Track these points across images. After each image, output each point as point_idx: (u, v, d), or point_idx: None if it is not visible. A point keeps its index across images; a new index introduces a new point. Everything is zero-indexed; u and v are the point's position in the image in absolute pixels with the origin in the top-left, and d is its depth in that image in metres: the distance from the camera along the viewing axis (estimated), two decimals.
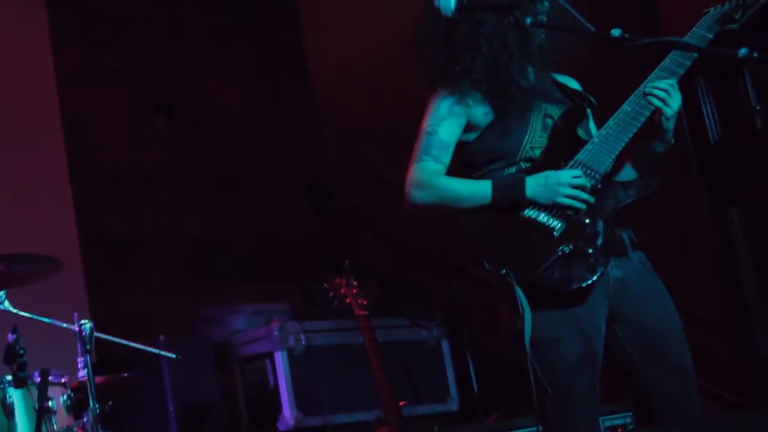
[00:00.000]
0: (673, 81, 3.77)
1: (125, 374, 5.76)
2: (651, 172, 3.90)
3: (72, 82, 7.48)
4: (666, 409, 3.77)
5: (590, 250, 3.66)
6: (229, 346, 6.70)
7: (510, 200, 3.73)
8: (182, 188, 7.86)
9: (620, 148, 3.78)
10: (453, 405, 6.90)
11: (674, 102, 3.76)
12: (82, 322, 4.57)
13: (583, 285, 3.65)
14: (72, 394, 4.82)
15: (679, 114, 3.84)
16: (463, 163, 3.93)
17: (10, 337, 4.40)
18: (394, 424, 5.62)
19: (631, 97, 3.81)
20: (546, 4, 3.80)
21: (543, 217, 3.71)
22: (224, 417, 6.57)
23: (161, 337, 5.94)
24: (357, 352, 6.28)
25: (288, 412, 6.34)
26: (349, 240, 8.55)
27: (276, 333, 6.41)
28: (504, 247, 3.70)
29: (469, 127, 3.88)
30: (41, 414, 4.44)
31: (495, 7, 3.66)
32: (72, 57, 7.55)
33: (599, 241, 3.69)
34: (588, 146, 3.80)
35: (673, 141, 3.86)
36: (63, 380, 4.82)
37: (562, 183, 3.70)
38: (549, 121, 3.86)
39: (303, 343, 6.45)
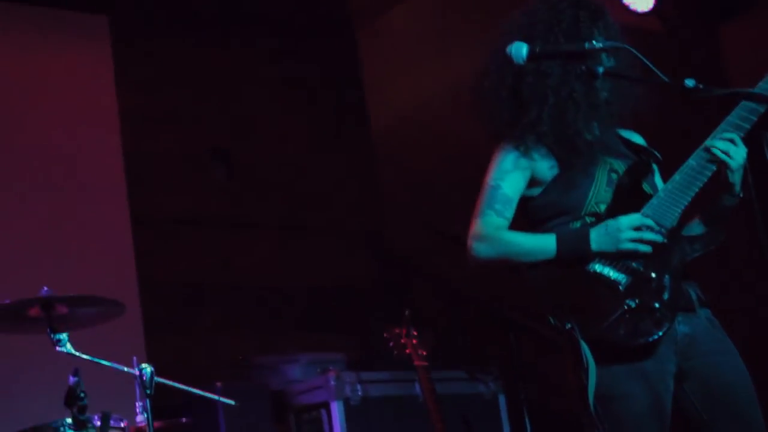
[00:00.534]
0: (736, 135, 3.73)
1: (182, 419, 5.74)
2: (719, 225, 3.85)
3: (135, 125, 7.53)
4: None
5: (657, 305, 3.61)
6: (284, 394, 6.65)
7: (575, 254, 3.71)
8: (240, 235, 7.87)
9: (686, 203, 3.75)
10: None
11: (739, 155, 3.72)
12: (143, 366, 4.54)
13: (650, 340, 3.61)
14: None
15: (745, 168, 3.81)
16: (527, 218, 3.91)
17: (72, 379, 4.39)
18: None
19: (697, 151, 3.78)
20: (615, 57, 3.80)
21: (608, 271, 3.68)
22: None
23: (218, 384, 5.92)
24: (413, 403, 6.23)
25: None
26: (405, 290, 8.51)
27: (332, 383, 6.36)
28: (569, 301, 3.67)
29: (533, 182, 3.86)
30: None
31: (568, 56, 3.66)
32: (135, 100, 7.59)
33: (666, 296, 3.64)
34: (653, 200, 3.77)
35: (741, 195, 3.81)
36: (122, 424, 4.80)
37: (623, 228, 3.68)
38: (614, 176, 3.84)
39: (359, 393, 6.39)
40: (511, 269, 3.84)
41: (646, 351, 3.63)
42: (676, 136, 4.16)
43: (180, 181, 7.72)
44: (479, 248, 3.81)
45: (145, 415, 4.58)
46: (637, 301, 3.62)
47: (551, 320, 3.64)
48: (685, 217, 3.83)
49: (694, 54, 6.47)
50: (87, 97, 7.34)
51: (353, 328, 7.71)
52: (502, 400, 6.92)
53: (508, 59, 3.68)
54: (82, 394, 4.37)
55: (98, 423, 4.49)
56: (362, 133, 8.82)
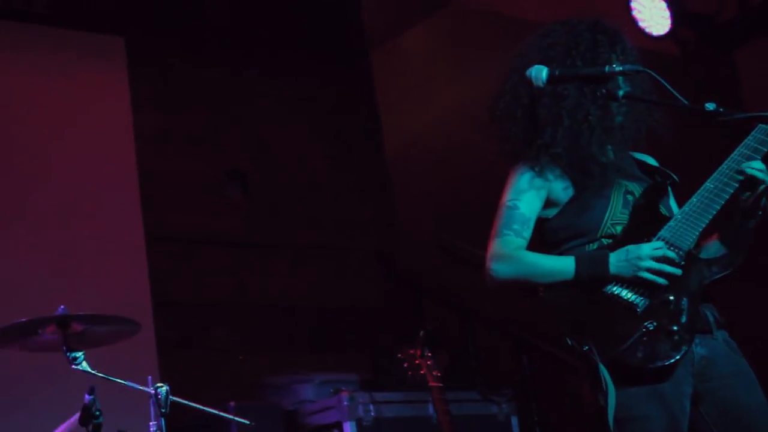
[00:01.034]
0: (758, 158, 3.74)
1: None
2: (740, 247, 3.85)
3: (150, 145, 7.55)
4: None
5: (674, 327, 3.62)
6: (297, 415, 6.65)
7: (593, 276, 3.71)
8: (255, 254, 7.88)
9: (704, 225, 3.75)
10: None
11: (762, 183, 3.73)
12: (158, 385, 4.55)
13: (667, 363, 3.61)
14: None
15: None
16: (542, 240, 3.92)
17: (87, 398, 4.39)
18: None
19: (714, 174, 3.79)
20: (630, 81, 3.80)
21: (626, 294, 3.69)
22: None
23: (231, 403, 5.92)
24: (426, 424, 6.23)
25: None
26: (417, 310, 8.50)
27: (345, 403, 6.35)
28: (587, 323, 3.68)
29: (549, 203, 3.87)
30: None
31: (588, 79, 3.66)
32: (151, 120, 7.61)
33: (683, 319, 3.64)
34: (671, 223, 3.77)
35: (761, 214, 3.83)
36: None
37: (643, 256, 3.67)
38: (630, 198, 3.85)
39: (372, 414, 6.38)
40: (528, 290, 3.84)
41: (663, 373, 3.63)
42: (694, 159, 4.16)
43: (195, 200, 7.73)
44: (498, 268, 3.81)
45: None
46: (655, 323, 3.62)
47: (569, 341, 3.65)
48: (703, 238, 3.83)
49: (710, 77, 6.47)
50: (103, 118, 7.35)
51: (366, 348, 7.71)
52: (515, 421, 6.91)
53: (528, 81, 3.70)
54: (97, 413, 4.37)
55: None
56: (376, 154, 8.83)
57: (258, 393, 6.90)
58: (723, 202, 3.76)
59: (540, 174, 3.85)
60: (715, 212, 3.76)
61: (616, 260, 3.68)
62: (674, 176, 3.96)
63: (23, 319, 4.62)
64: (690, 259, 3.73)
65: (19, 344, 4.84)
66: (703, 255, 3.80)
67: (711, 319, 3.79)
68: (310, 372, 6.88)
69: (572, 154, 3.82)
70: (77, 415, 4.47)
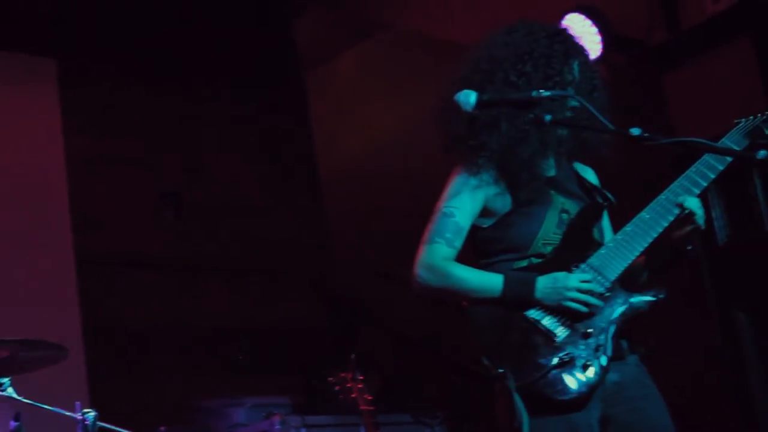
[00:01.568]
0: (695, 192, 3.76)
1: None
2: (664, 273, 3.87)
3: (81, 168, 7.49)
4: None
5: (588, 362, 3.63)
6: None
7: (518, 298, 3.71)
8: (186, 278, 7.84)
9: (634, 257, 3.76)
10: None
11: (697, 219, 3.74)
12: (86, 411, 4.50)
13: (578, 397, 3.62)
14: None
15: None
16: (473, 246, 3.88)
17: (12, 424, 4.35)
18: None
19: (651, 204, 3.79)
20: (569, 102, 3.79)
21: (547, 321, 3.69)
22: None
23: (162, 428, 5.86)
24: None
25: None
26: (351, 333, 8.49)
27: (277, 427, 6.31)
28: (504, 346, 3.67)
29: (486, 212, 3.85)
30: None
31: (515, 104, 3.65)
32: (82, 144, 7.56)
33: (599, 352, 3.65)
34: (602, 250, 3.77)
35: (690, 251, 3.84)
36: None
37: (570, 287, 3.68)
38: (564, 217, 3.84)
39: None
40: (451, 301, 3.81)
41: (574, 405, 3.64)
42: (637, 183, 4.17)
43: (128, 223, 7.69)
44: (425, 277, 3.78)
45: None
46: (570, 355, 3.63)
47: (485, 361, 3.64)
48: (633, 268, 3.83)
49: (639, 101, 6.53)
50: (33, 140, 7.30)
51: (299, 371, 7.68)
52: None
53: (455, 106, 3.66)
54: None
55: None
56: (310, 177, 8.83)
57: (190, 417, 6.84)
58: (656, 235, 3.75)
59: (478, 179, 3.81)
60: (647, 244, 3.76)
61: (543, 286, 3.68)
62: (611, 198, 3.94)
63: None
64: (614, 290, 3.73)
65: None
66: (629, 287, 3.79)
67: (625, 345, 3.80)
68: (242, 395, 6.83)
69: (505, 158, 3.78)
70: None
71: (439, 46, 8.41)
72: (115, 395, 6.83)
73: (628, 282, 3.78)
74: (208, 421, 6.74)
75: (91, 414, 4.48)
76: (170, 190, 7.98)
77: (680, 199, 3.74)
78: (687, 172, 3.79)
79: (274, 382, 7.56)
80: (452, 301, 3.81)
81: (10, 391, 4.55)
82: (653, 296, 3.78)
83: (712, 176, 3.80)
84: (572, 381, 3.61)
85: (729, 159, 3.79)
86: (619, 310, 3.73)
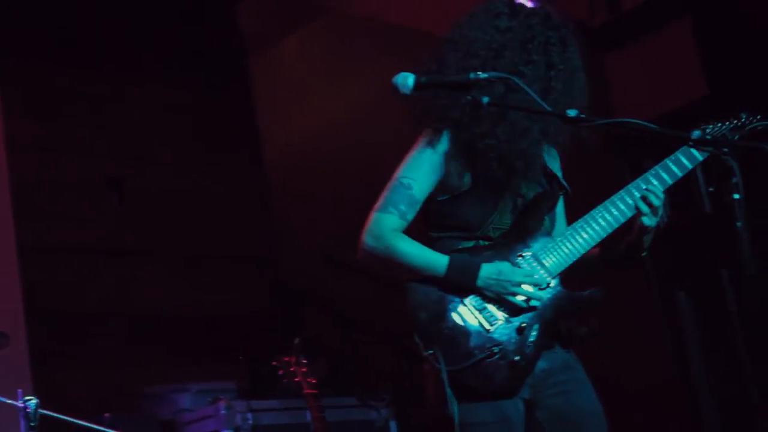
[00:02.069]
0: (659, 189, 3.76)
1: None
2: (610, 268, 3.88)
3: (22, 154, 7.42)
4: None
5: (517, 358, 3.65)
6: (174, 424, 6.59)
7: (460, 283, 3.71)
8: (132, 263, 7.80)
9: (580, 255, 3.77)
10: None
11: (655, 216, 3.76)
12: (27, 398, 4.47)
13: (504, 387, 3.66)
14: None
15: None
16: (423, 216, 3.87)
17: None
18: None
19: (606, 202, 3.81)
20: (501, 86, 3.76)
21: (484, 310, 3.70)
22: None
23: (106, 415, 5.84)
24: (304, 431, 6.20)
25: None
26: (297, 318, 8.50)
27: (223, 412, 6.31)
28: (437, 327, 3.68)
29: (442, 186, 3.82)
30: None
31: (452, 86, 3.64)
32: (23, 129, 7.49)
33: (528, 350, 3.68)
34: (549, 243, 3.79)
35: (645, 254, 3.85)
36: None
37: (514, 281, 3.69)
38: (519, 201, 3.82)
39: (250, 422, 6.34)
40: (393, 272, 3.80)
41: (502, 393, 3.67)
42: (597, 176, 4.16)
43: (70, 209, 7.63)
44: (370, 244, 3.77)
45: None
46: (501, 348, 3.65)
47: (416, 338, 3.65)
48: (580, 262, 3.82)
49: None
50: None
51: (244, 356, 7.67)
52: (393, 426, 6.93)
53: (393, 88, 3.64)
54: None
55: None
56: (255, 161, 8.80)
57: (135, 403, 6.83)
58: (605, 235, 3.78)
59: (441, 153, 3.78)
60: (594, 243, 3.79)
61: (486, 275, 3.68)
62: (568, 187, 3.93)
63: None
64: (556, 285, 3.75)
65: None
66: (569, 284, 3.78)
67: (557, 341, 3.82)
68: (187, 381, 6.82)
69: (468, 139, 3.76)
70: None
71: (382, 30, 8.43)
72: (59, 383, 6.80)
73: (570, 278, 3.80)
74: (154, 407, 6.73)
75: (33, 401, 4.45)
76: (114, 176, 7.93)
77: (636, 197, 3.75)
78: (647, 173, 3.82)
79: (219, 367, 7.55)
80: (393, 272, 3.80)
81: None
82: (590, 296, 3.79)
83: (680, 174, 3.83)
84: (498, 376, 3.64)
85: (689, 165, 3.81)
86: (554, 306, 3.74)
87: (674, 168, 3.84)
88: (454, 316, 3.69)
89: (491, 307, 3.70)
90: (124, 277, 7.72)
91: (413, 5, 7.57)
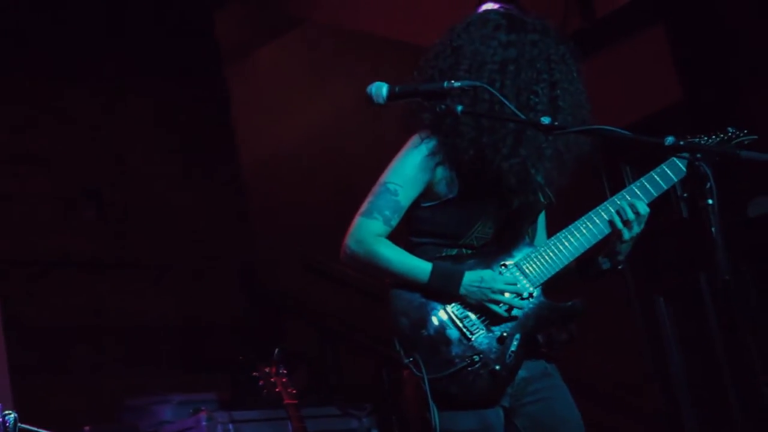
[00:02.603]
0: (642, 202, 3.74)
1: None
2: (587, 281, 3.88)
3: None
4: None
5: (498, 367, 3.66)
6: None
7: (442, 290, 3.71)
8: (111, 275, 7.79)
9: (562, 266, 3.77)
10: None
11: (636, 228, 3.74)
12: (6, 412, 4.45)
13: (484, 397, 3.67)
14: None
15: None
16: (406, 221, 3.86)
17: None
18: None
19: (590, 213, 3.80)
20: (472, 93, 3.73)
21: (466, 318, 3.70)
22: None
23: (86, 428, 5.83)
24: None
25: None
26: (277, 327, 8.50)
27: (204, 423, 6.29)
28: (418, 334, 3.68)
29: (428, 193, 3.81)
30: None
31: (426, 95, 3.63)
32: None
33: (509, 359, 3.68)
34: (532, 254, 3.79)
35: (621, 267, 3.84)
36: None
37: (496, 289, 3.69)
38: (504, 211, 3.81)
39: None
40: (376, 277, 3.80)
41: (481, 402, 3.68)
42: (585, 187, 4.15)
43: (49, 222, 7.62)
44: (353, 248, 3.77)
45: None
46: (481, 357, 3.65)
47: (397, 345, 3.65)
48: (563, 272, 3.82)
49: None
50: None
51: (225, 367, 7.67)
52: None
53: (367, 98, 3.63)
54: None
55: None
56: (233, 171, 8.81)
57: (116, 415, 6.81)
58: (588, 246, 3.77)
59: (429, 159, 3.76)
60: (577, 254, 3.79)
61: (468, 283, 3.68)
62: (552, 198, 3.91)
63: None
64: (538, 296, 3.75)
65: None
66: (551, 295, 3.77)
67: (536, 352, 3.83)
68: (168, 392, 6.81)
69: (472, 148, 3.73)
70: None
71: (356, 40, 8.44)
72: (39, 396, 6.79)
73: (551, 289, 3.79)
74: (135, 419, 6.71)
75: (11, 415, 4.43)
76: (91, 187, 7.92)
77: (611, 211, 3.75)
78: (630, 186, 3.81)
79: (200, 378, 7.54)
80: (375, 277, 3.80)
81: None
82: (571, 307, 3.80)
83: (665, 187, 3.82)
84: (478, 386, 3.64)
85: (675, 178, 3.81)
86: (536, 316, 3.75)
87: (660, 180, 3.84)
88: (436, 324, 3.69)
89: (473, 316, 3.70)
90: (103, 288, 7.72)
91: (387, 15, 7.58)
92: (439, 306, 3.71)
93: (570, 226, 3.81)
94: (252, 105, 9.44)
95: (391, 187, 3.79)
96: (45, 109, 7.85)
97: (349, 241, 3.78)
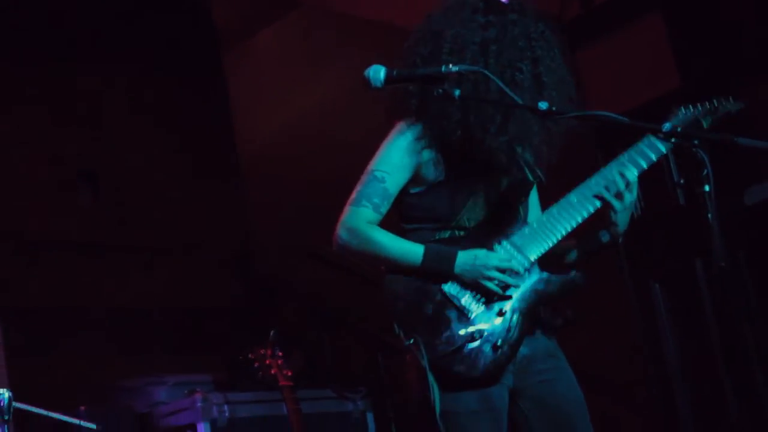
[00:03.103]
0: (632, 173, 3.74)
1: None
2: (589, 256, 3.90)
3: None
4: None
5: (499, 341, 3.66)
6: (151, 417, 6.59)
7: (437, 271, 3.72)
8: (107, 258, 7.80)
9: (556, 240, 3.77)
10: None
11: (629, 197, 3.75)
12: (0, 391, 4.47)
13: (487, 373, 3.66)
14: None
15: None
16: (396, 209, 3.88)
17: None
18: None
19: (579, 187, 3.81)
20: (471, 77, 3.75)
21: (462, 297, 3.71)
22: None
23: (82, 408, 5.83)
24: (281, 423, 6.18)
25: None
26: (273, 310, 8.50)
27: (199, 404, 6.31)
28: (417, 316, 3.69)
29: (416, 179, 3.83)
30: None
31: (424, 79, 3.64)
32: None
33: (510, 334, 3.69)
34: (525, 229, 3.79)
35: (620, 239, 3.85)
36: None
37: (490, 266, 3.69)
38: (493, 191, 3.83)
39: (226, 414, 6.34)
40: (370, 264, 3.81)
41: (484, 380, 3.68)
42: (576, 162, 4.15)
43: (45, 204, 7.62)
44: (345, 238, 3.78)
45: None
46: (482, 333, 3.66)
47: (396, 329, 3.66)
48: (558, 247, 3.82)
49: None
50: None
51: (220, 349, 7.68)
52: (370, 417, 6.94)
53: (365, 81, 3.64)
54: None
55: None
56: (230, 156, 8.81)
57: (111, 396, 6.83)
58: (581, 220, 3.77)
59: (414, 145, 3.78)
60: (570, 228, 3.78)
61: (462, 262, 3.69)
62: (542, 176, 3.92)
63: None
64: (533, 270, 3.76)
65: None
66: (549, 268, 3.77)
67: (538, 325, 3.83)
68: (163, 374, 6.82)
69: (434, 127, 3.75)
70: None
71: (354, 24, 8.43)
72: (34, 376, 6.79)
73: (549, 263, 3.80)
74: (130, 400, 6.72)
75: (6, 395, 4.45)
76: (86, 169, 7.92)
77: (600, 186, 3.75)
78: (619, 157, 3.80)
79: (196, 360, 7.56)
80: (369, 264, 3.81)
81: None
82: (571, 279, 3.80)
83: (654, 158, 3.79)
84: (482, 359, 3.64)
85: (663, 149, 3.80)
86: (534, 290, 3.76)
87: (648, 151, 3.82)
88: (433, 305, 3.70)
89: (470, 294, 3.71)
90: (98, 270, 7.72)
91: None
92: (435, 287, 3.72)
93: (561, 200, 3.81)
94: (250, 88, 9.44)
95: (379, 174, 3.80)
96: (40, 91, 7.84)
97: (340, 230, 3.80)
